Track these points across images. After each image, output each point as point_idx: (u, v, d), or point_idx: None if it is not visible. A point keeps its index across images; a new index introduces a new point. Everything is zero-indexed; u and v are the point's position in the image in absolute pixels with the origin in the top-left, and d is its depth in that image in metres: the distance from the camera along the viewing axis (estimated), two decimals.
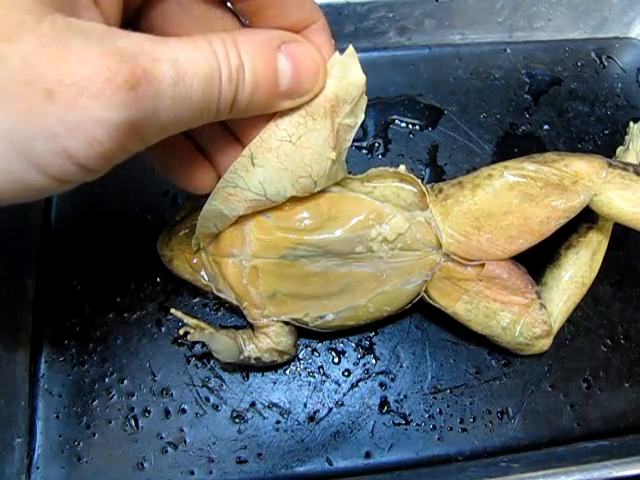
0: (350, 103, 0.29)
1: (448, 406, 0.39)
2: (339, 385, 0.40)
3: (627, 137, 0.45)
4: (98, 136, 0.20)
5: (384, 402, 0.40)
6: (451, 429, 0.39)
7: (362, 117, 0.31)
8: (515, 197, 0.33)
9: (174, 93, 0.21)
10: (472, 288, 0.35)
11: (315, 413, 0.39)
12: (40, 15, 0.19)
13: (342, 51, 0.28)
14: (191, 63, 0.22)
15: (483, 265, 0.34)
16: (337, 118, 0.29)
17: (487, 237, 0.34)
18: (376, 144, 0.47)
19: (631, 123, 0.45)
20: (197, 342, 0.40)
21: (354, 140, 0.46)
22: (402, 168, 0.36)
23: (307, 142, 0.29)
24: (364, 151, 0.47)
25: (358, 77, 0.29)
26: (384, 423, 0.39)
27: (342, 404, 0.39)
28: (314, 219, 0.33)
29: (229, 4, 0.28)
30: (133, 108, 0.20)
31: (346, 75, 0.28)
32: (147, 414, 0.39)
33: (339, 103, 0.29)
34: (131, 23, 0.27)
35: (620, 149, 0.44)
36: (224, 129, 0.31)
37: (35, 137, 0.19)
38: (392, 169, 0.35)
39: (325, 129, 0.29)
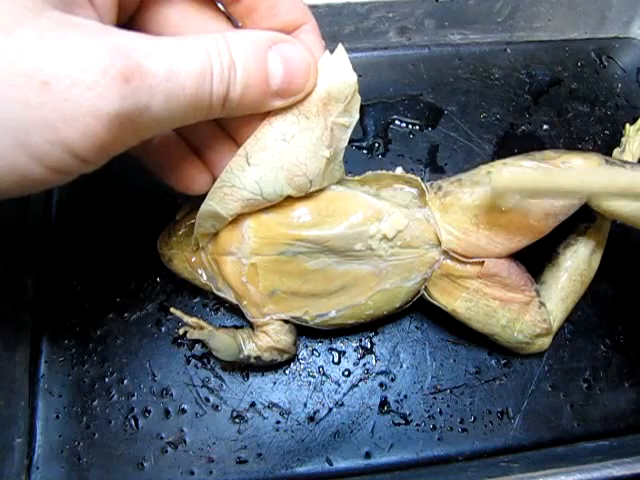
0: (343, 102, 0.29)
1: (448, 406, 0.39)
2: (339, 385, 0.40)
3: (623, 139, 0.45)
4: (93, 127, 0.20)
5: (384, 402, 0.39)
6: (451, 429, 0.39)
7: (357, 116, 0.31)
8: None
9: (167, 88, 0.22)
10: (471, 286, 0.35)
11: (315, 413, 0.39)
12: (38, 10, 0.19)
13: (333, 51, 0.29)
14: (184, 60, 0.22)
15: (482, 263, 0.34)
16: (330, 117, 0.30)
17: (486, 234, 0.34)
18: (376, 144, 0.47)
19: (627, 125, 0.45)
20: (197, 341, 0.40)
21: (354, 140, 0.47)
22: (399, 170, 0.36)
23: (301, 140, 0.29)
24: (364, 151, 0.47)
25: (349, 75, 0.29)
26: (384, 423, 0.39)
27: (342, 404, 0.39)
28: (312, 215, 0.33)
29: (221, 7, 0.28)
30: (127, 100, 0.20)
31: (337, 74, 0.29)
32: (147, 414, 0.39)
33: (331, 101, 0.29)
34: (126, 26, 0.27)
35: (616, 151, 0.44)
36: (218, 129, 0.31)
37: (32, 127, 0.19)
38: (389, 172, 0.35)
39: (318, 127, 0.29)
